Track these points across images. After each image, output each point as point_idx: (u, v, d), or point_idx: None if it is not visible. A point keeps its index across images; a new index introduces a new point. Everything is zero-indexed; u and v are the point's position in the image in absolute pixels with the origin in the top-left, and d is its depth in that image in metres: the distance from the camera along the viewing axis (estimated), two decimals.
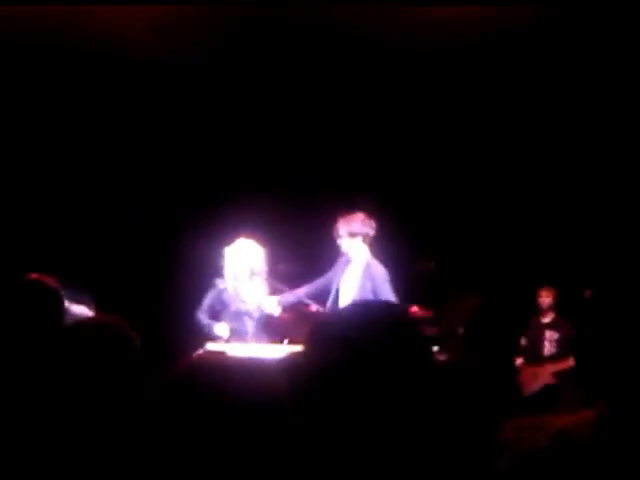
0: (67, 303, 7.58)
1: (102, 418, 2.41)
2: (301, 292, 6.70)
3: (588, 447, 2.03)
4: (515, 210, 9.07)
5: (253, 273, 6.60)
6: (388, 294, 6.26)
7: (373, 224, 6.43)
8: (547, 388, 8.15)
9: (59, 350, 2.51)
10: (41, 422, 2.43)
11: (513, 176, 9.00)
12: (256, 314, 6.64)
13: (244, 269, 6.56)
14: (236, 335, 6.55)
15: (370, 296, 6.19)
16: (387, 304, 2.06)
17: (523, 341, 8.57)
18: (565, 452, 2.02)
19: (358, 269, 6.44)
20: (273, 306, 6.62)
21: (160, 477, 2.21)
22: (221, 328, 6.55)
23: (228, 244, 6.62)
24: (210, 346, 6.28)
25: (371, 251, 6.51)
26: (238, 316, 6.60)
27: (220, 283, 6.65)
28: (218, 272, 6.68)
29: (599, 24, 7.75)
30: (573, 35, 7.89)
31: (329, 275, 6.66)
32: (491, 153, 8.93)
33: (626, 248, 8.64)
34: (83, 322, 2.74)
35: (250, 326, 6.59)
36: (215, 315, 6.64)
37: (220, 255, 6.62)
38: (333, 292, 6.52)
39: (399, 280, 6.53)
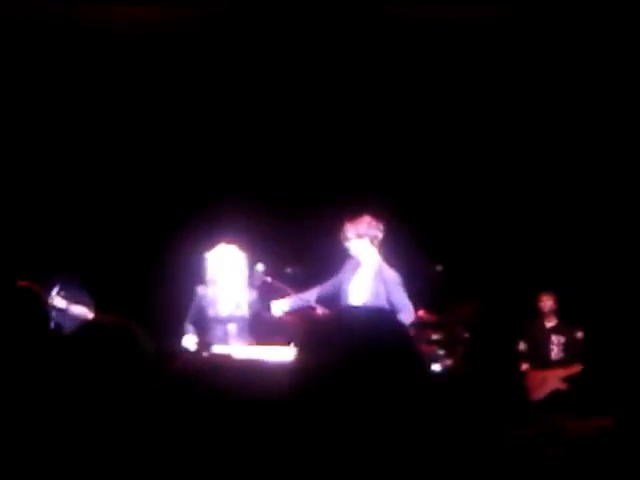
0: (66, 304, 7.59)
1: (112, 418, 2.39)
2: (308, 295, 6.62)
3: (606, 455, 1.98)
4: (516, 215, 9.02)
5: (234, 278, 6.47)
6: (402, 298, 6.30)
7: (380, 226, 6.41)
8: (556, 393, 8.04)
9: (67, 351, 2.48)
10: (45, 424, 2.41)
11: (514, 181, 8.96)
12: (233, 319, 6.48)
13: (223, 274, 6.44)
14: (216, 341, 6.38)
15: (383, 300, 6.22)
16: (381, 310, 2.11)
17: (522, 346, 8.46)
18: (583, 460, 1.98)
19: (369, 273, 6.42)
20: (279, 309, 6.54)
21: (164, 475, 2.23)
22: (187, 340, 6.48)
23: (210, 249, 6.51)
24: (216, 348, 6.18)
25: (380, 254, 6.48)
26: (216, 322, 6.48)
27: (201, 289, 6.52)
28: (201, 278, 6.55)
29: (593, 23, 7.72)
30: (570, 33, 7.85)
31: (338, 278, 6.61)
32: (493, 158, 8.90)
33: (628, 250, 8.61)
34: (95, 322, 2.67)
35: (227, 331, 6.46)
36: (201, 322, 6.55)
37: (202, 261, 6.49)
38: (343, 295, 6.48)
39: (405, 283, 6.47)
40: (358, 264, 6.46)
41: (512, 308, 8.54)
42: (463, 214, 9.02)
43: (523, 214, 8.98)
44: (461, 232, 8.97)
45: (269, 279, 6.63)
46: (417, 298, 6.59)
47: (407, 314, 6.20)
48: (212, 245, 6.50)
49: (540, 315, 8.47)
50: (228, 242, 6.50)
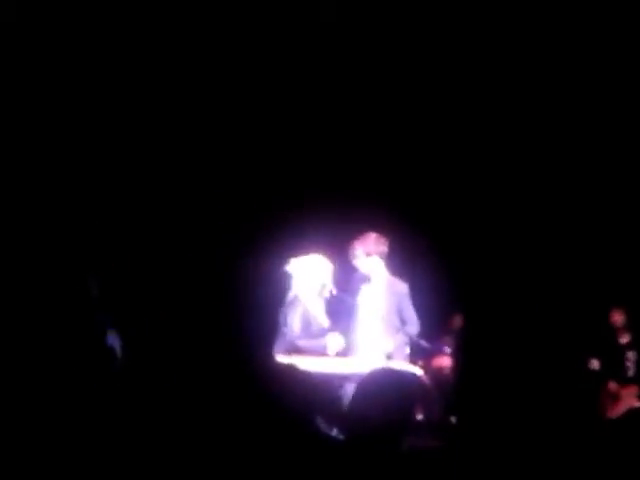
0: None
1: None
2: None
3: None
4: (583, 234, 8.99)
5: (322, 290, 6.43)
6: (411, 310, 6.63)
7: (385, 241, 6.70)
8: (632, 410, 7.84)
9: None
10: None
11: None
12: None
13: (314, 286, 6.39)
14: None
15: (394, 313, 6.56)
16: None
17: (595, 364, 8.24)
18: None
19: (380, 287, 6.69)
20: (336, 345, 6.43)
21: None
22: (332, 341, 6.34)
23: (296, 259, 6.48)
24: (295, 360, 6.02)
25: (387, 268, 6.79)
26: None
27: (289, 301, 6.41)
28: (287, 289, 6.48)
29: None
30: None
31: (347, 292, 6.75)
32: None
33: None
34: None
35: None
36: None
37: (289, 271, 6.44)
38: (352, 309, 6.68)
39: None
40: (365, 279, 6.70)
41: (583, 324, 8.36)
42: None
43: (592, 229, 8.97)
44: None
45: None
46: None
47: (414, 326, 6.55)
48: (302, 252, 6.48)
49: (612, 332, 8.26)
50: (318, 251, 6.49)
